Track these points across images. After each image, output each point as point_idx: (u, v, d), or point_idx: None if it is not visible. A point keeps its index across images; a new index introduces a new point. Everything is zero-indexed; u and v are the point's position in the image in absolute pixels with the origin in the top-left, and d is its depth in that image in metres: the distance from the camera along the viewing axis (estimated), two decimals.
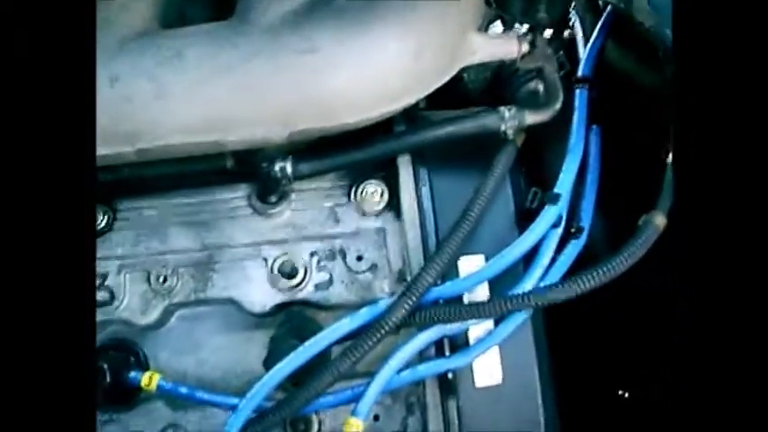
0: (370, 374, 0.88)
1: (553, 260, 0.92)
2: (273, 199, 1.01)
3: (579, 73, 1.03)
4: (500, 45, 0.98)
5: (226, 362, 1.02)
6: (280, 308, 1.01)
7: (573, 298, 0.84)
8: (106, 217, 1.03)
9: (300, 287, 1.00)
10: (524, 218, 0.95)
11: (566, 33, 1.08)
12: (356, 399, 0.87)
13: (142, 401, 1.02)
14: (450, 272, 0.92)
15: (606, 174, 0.98)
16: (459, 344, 0.92)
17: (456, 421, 0.91)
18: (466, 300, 0.92)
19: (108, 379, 0.95)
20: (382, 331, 0.86)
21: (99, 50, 0.83)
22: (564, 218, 0.94)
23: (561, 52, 1.05)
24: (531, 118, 0.94)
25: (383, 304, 0.89)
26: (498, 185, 0.93)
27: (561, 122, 0.98)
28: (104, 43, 0.88)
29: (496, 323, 0.91)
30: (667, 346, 0.98)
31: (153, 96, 0.87)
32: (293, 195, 1.02)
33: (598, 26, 1.04)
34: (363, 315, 0.90)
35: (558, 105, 0.96)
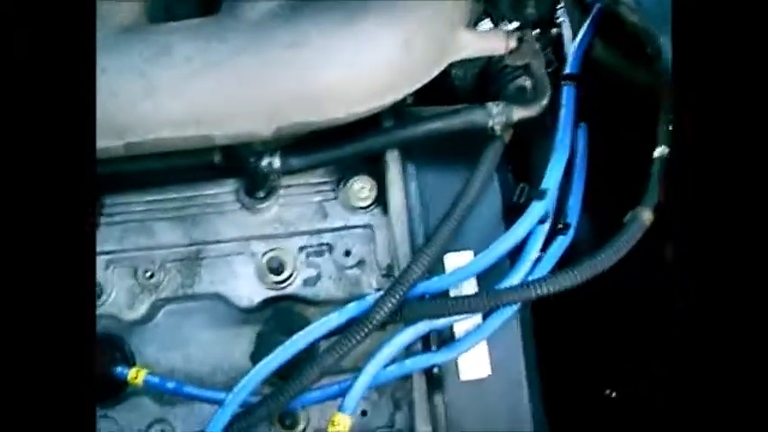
0: (358, 370, 0.88)
1: (540, 256, 0.92)
2: (261, 194, 1.01)
3: (567, 70, 1.04)
4: (488, 41, 0.99)
5: (213, 357, 1.02)
6: (267, 303, 1.01)
7: (559, 292, 0.85)
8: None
9: (288, 282, 1.00)
10: (511, 213, 0.95)
11: (553, 31, 1.09)
12: (343, 394, 0.87)
13: (129, 396, 1.02)
14: (438, 267, 0.93)
15: (593, 170, 0.98)
16: (445, 339, 0.92)
17: (443, 416, 0.91)
18: (453, 295, 0.92)
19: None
20: (369, 326, 0.86)
21: None
22: (551, 214, 0.94)
23: (549, 49, 1.05)
24: (519, 114, 0.95)
25: (371, 299, 0.89)
26: (486, 181, 0.93)
27: (548, 119, 0.99)
28: None
29: (484, 318, 0.91)
30: (653, 341, 0.99)
31: (141, 91, 0.87)
32: (281, 190, 1.02)
33: (586, 24, 1.05)
34: (351, 310, 0.90)
35: (545, 101, 0.96)
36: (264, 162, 0.95)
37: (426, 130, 0.95)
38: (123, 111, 0.88)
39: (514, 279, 0.90)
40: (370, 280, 1.00)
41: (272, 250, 1.00)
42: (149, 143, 0.89)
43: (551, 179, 0.95)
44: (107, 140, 0.89)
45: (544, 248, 0.92)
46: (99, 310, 1.00)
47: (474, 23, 1.03)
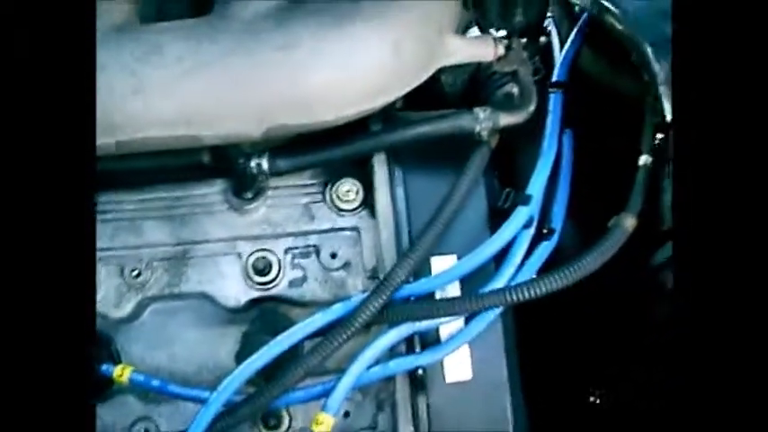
0: (341, 371, 0.88)
1: (524, 261, 0.93)
2: (249, 195, 1.02)
3: (554, 78, 1.05)
4: (477, 47, 1.00)
5: (199, 356, 1.02)
6: (253, 303, 1.01)
7: (542, 297, 0.85)
8: None
9: (274, 283, 1.01)
10: (497, 218, 0.96)
11: (542, 39, 1.10)
12: (327, 394, 0.87)
13: (114, 394, 1.01)
14: (423, 271, 0.93)
15: (578, 176, 0.99)
16: (429, 341, 0.92)
17: (426, 418, 0.91)
18: (438, 298, 0.93)
19: None
20: (353, 327, 0.86)
21: None
22: (536, 219, 0.95)
23: (537, 57, 1.06)
24: (506, 120, 0.95)
25: (355, 301, 0.89)
26: (472, 186, 0.94)
27: (535, 126, 1.00)
28: None
29: (467, 321, 0.91)
30: (635, 346, 1.00)
31: (131, 90, 0.88)
32: (269, 192, 1.02)
33: (573, 32, 1.06)
34: (335, 311, 0.90)
35: (531, 108, 0.97)
36: (253, 163, 0.96)
37: (414, 135, 0.96)
38: (113, 109, 0.88)
39: (499, 283, 0.91)
40: (356, 282, 1.00)
41: (258, 251, 1.01)
42: (138, 142, 0.90)
43: (537, 185, 0.96)
44: (99, 137, 0.89)
45: (528, 253, 0.93)
46: None
47: (463, 31, 1.04)
